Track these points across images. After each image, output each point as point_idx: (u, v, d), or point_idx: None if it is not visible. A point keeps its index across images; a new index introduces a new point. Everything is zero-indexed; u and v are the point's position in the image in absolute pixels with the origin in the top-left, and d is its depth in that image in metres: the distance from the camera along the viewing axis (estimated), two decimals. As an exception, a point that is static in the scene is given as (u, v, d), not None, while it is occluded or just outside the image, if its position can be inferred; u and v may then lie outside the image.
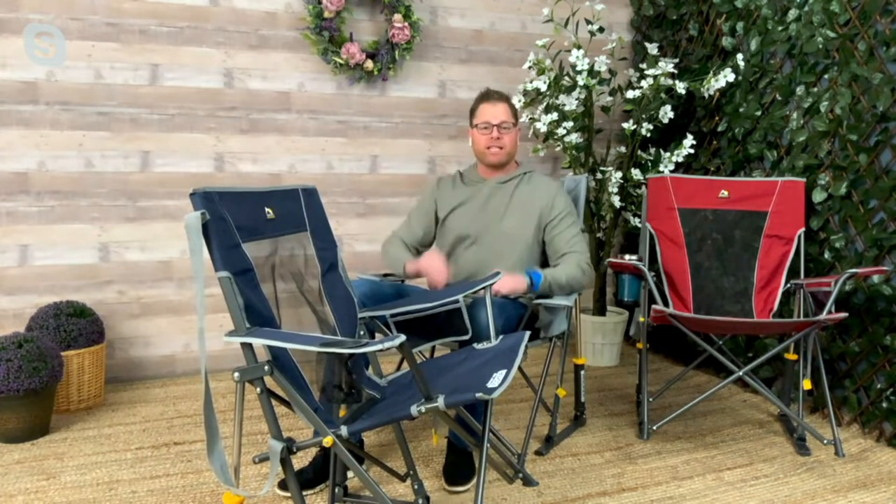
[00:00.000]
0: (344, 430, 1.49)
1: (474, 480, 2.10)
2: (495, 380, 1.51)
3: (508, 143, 2.28)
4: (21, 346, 2.33)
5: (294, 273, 1.69)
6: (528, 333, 1.84)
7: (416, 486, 1.84)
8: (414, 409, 1.47)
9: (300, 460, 2.23)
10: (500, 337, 1.91)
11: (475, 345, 1.92)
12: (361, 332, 1.89)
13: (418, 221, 2.41)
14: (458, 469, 2.06)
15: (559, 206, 2.28)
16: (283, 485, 2.01)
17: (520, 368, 2.40)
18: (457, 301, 2.11)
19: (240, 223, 1.52)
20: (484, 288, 1.98)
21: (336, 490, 1.85)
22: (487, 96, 2.30)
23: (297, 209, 1.78)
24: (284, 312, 1.60)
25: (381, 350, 1.31)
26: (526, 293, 2.12)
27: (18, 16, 2.75)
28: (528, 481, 2.05)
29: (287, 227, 1.71)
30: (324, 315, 1.76)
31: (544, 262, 2.35)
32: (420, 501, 1.84)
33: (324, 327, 1.75)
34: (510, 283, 2.06)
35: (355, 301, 1.87)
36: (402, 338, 1.30)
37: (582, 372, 2.52)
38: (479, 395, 1.43)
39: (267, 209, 1.64)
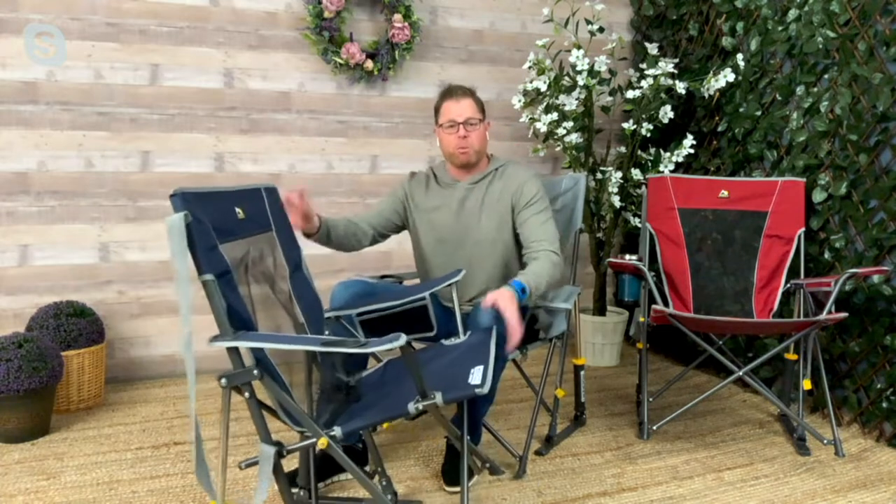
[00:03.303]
0: (338, 431, 1.48)
1: (473, 480, 2.10)
2: (475, 376, 1.53)
3: (476, 141, 2.16)
4: (21, 346, 2.33)
5: (265, 274, 1.66)
6: (494, 328, 1.84)
7: (384, 483, 1.84)
8: (411, 407, 1.47)
9: (290, 462, 2.23)
10: (468, 333, 1.92)
11: (443, 341, 1.94)
12: (327, 332, 1.88)
13: (385, 202, 2.32)
14: (457, 470, 2.06)
15: (528, 192, 2.18)
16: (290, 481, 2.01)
17: (520, 369, 2.42)
18: (423, 299, 2.12)
19: (215, 224, 1.48)
20: (450, 285, 1.99)
21: (315, 490, 1.85)
22: (451, 93, 2.17)
23: (262, 209, 1.74)
24: (260, 315, 1.57)
25: (383, 350, 1.31)
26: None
27: (18, 16, 2.75)
28: (494, 470, 1.98)
29: (256, 227, 1.67)
30: (294, 315, 1.74)
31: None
32: (418, 501, 1.83)
33: (298, 328, 1.74)
34: (507, 308, 1.81)
35: (321, 301, 1.87)
36: (404, 338, 1.30)
37: (581, 372, 2.52)
38: (478, 391, 1.44)
39: (237, 209, 1.60)
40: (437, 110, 2.21)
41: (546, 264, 2.02)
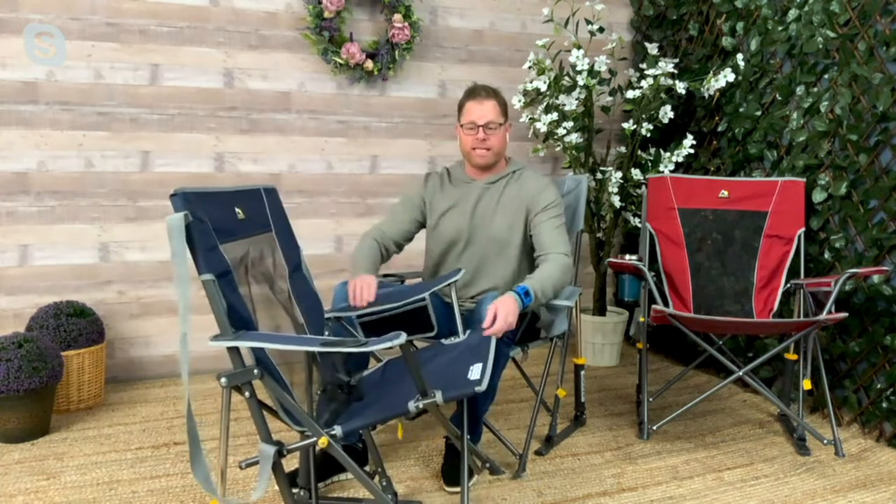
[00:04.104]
0: (338, 430, 1.48)
1: (473, 480, 2.10)
2: (473, 372, 1.54)
3: (495, 144, 2.17)
4: (21, 346, 2.33)
5: (265, 274, 1.66)
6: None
7: (384, 483, 1.84)
8: (411, 405, 1.47)
9: (289, 463, 2.22)
10: (468, 332, 1.93)
11: (443, 340, 1.95)
12: (327, 332, 1.88)
13: (405, 214, 2.31)
14: (457, 470, 2.06)
15: (545, 198, 2.19)
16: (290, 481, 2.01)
17: (520, 368, 2.42)
18: (423, 300, 2.13)
19: (215, 224, 1.48)
20: (449, 285, 2.01)
21: (315, 490, 1.85)
22: (474, 93, 2.17)
23: (262, 209, 1.75)
24: (260, 314, 1.57)
25: (383, 348, 1.31)
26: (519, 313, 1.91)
27: (18, 16, 2.75)
28: (494, 470, 1.99)
29: (255, 227, 1.68)
30: (294, 316, 1.75)
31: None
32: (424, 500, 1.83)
33: (298, 328, 1.74)
34: (504, 314, 1.81)
35: (321, 301, 1.88)
36: (404, 336, 1.31)
37: (582, 372, 2.52)
38: (477, 388, 1.45)
39: (237, 209, 1.61)
40: (459, 108, 2.21)
41: (555, 268, 2.05)
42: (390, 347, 1.33)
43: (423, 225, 2.35)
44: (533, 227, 2.19)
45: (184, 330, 1.36)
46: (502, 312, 1.82)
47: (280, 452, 1.42)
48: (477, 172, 2.28)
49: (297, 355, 1.64)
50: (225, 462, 1.46)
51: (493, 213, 2.22)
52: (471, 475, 2.07)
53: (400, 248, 2.34)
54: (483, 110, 2.15)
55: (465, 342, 1.84)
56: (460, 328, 1.99)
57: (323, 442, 1.42)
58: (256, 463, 1.44)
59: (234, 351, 1.40)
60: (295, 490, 1.88)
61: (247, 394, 1.41)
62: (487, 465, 1.88)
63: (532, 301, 1.92)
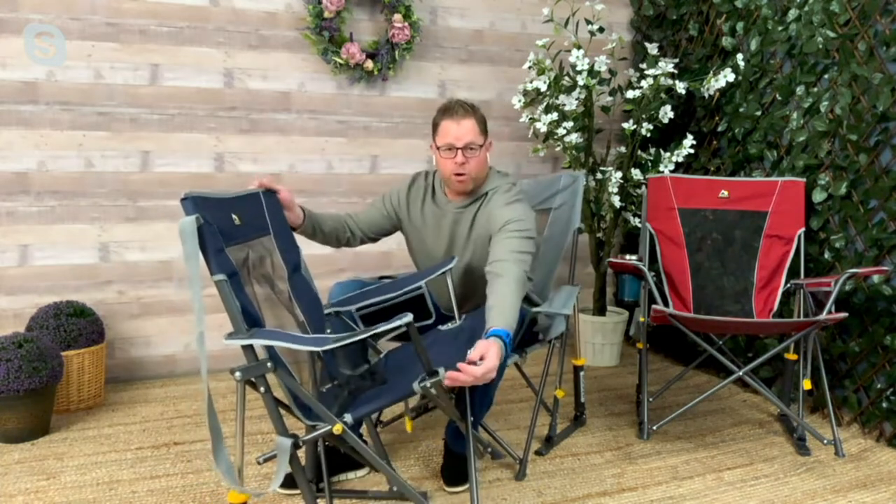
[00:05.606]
0: (349, 418, 1.50)
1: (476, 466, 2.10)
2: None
3: (475, 168, 1.99)
4: (21, 346, 2.33)
5: (265, 276, 1.69)
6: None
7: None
8: (416, 386, 1.50)
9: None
10: (463, 317, 1.95)
11: (440, 326, 1.97)
12: (328, 330, 1.90)
13: (380, 210, 2.21)
14: (456, 470, 2.06)
15: (501, 219, 1.94)
16: (283, 483, 2.02)
17: (520, 369, 2.42)
18: (419, 288, 2.13)
19: (219, 228, 1.51)
20: (443, 273, 2.00)
21: (322, 485, 1.87)
22: (451, 111, 1.97)
23: (260, 212, 1.77)
24: (265, 314, 1.61)
25: (390, 330, 1.36)
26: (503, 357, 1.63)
27: (18, 16, 2.75)
28: (495, 454, 1.98)
29: (253, 231, 1.70)
30: (295, 315, 1.77)
31: None
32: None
33: (300, 327, 1.77)
34: (490, 363, 1.52)
35: (321, 301, 1.89)
36: (410, 316, 1.34)
37: (581, 373, 2.52)
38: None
39: (233, 215, 1.62)
40: (434, 127, 2.03)
41: (505, 287, 1.76)
42: (398, 328, 1.37)
43: (394, 225, 2.24)
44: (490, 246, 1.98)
45: (200, 329, 1.37)
46: (490, 365, 1.52)
47: (296, 444, 1.45)
48: (453, 194, 2.13)
49: (303, 353, 1.66)
50: (241, 456, 1.47)
51: (465, 243, 2.11)
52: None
53: (362, 237, 2.21)
54: (461, 130, 1.95)
55: (461, 327, 1.86)
56: (456, 313, 2.01)
57: (338, 429, 1.45)
58: (274, 457, 1.47)
59: (248, 349, 1.43)
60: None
61: (262, 389, 1.43)
62: (489, 449, 1.89)
63: (510, 337, 1.66)
